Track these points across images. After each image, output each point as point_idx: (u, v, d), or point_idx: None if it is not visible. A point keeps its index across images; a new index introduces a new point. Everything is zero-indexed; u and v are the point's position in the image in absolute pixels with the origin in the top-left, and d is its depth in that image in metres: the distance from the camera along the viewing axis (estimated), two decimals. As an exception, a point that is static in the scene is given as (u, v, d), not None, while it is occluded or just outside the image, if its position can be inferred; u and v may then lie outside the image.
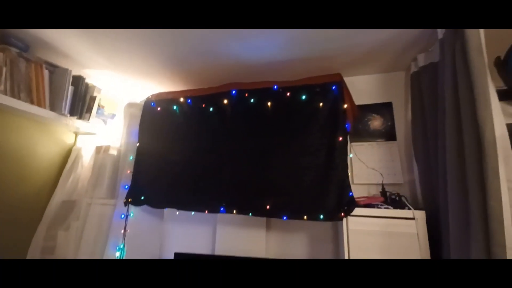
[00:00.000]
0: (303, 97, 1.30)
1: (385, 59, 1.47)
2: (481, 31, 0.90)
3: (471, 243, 0.84)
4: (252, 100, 1.38)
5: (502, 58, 0.99)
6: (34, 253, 1.53)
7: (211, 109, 1.46)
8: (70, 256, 1.50)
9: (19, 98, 1.33)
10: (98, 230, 1.57)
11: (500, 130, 0.84)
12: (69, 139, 1.82)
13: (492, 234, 0.77)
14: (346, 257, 1.13)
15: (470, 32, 0.89)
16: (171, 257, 1.56)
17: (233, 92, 1.41)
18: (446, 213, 0.98)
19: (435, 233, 1.09)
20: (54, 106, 1.49)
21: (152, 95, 1.65)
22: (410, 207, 1.14)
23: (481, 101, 0.84)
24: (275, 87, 1.35)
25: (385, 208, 1.16)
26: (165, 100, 1.59)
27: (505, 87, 1.00)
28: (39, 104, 1.42)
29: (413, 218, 1.09)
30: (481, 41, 0.89)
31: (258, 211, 1.30)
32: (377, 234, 1.12)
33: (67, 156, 1.79)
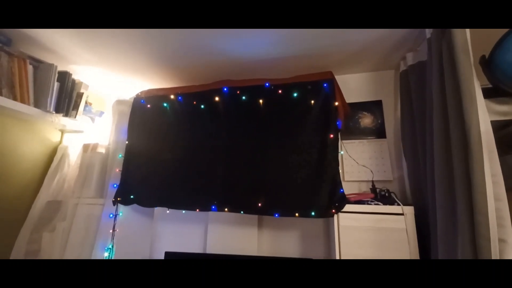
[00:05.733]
0: (295, 94, 1.30)
1: (375, 58, 1.49)
2: (467, 30, 0.92)
3: (457, 236, 0.86)
4: (244, 98, 1.37)
5: (486, 57, 1.02)
6: (17, 256, 1.47)
7: (202, 106, 1.44)
8: (55, 258, 1.45)
9: (0, 94, 1.28)
10: (86, 230, 1.53)
11: (484, 126, 0.87)
12: (54, 137, 1.76)
13: (477, 227, 0.79)
14: (337, 253, 1.14)
15: (456, 32, 0.92)
16: (162, 256, 1.53)
17: (225, 89, 1.40)
18: (434, 208, 1.01)
19: (424, 227, 1.11)
20: (38, 103, 1.44)
21: (141, 92, 1.62)
22: (399, 203, 1.17)
23: (467, 99, 0.86)
24: (267, 84, 1.34)
25: (375, 204, 1.18)
26: (155, 97, 1.56)
27: (490, 85, 1.03)
28: (23, 100, 1.37)
29: (402, 214, 1.12)
30: (467, 40, 0.92)
31: (250, 209, 1.29)
32: (368, 229, 1.14)
33: (52, 155, 1.72)
